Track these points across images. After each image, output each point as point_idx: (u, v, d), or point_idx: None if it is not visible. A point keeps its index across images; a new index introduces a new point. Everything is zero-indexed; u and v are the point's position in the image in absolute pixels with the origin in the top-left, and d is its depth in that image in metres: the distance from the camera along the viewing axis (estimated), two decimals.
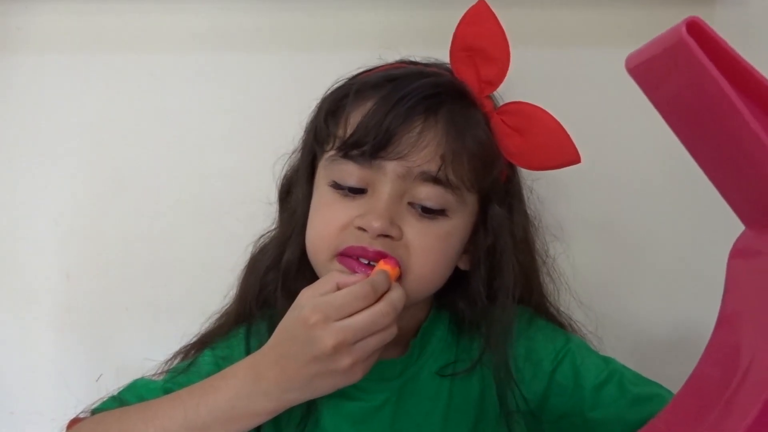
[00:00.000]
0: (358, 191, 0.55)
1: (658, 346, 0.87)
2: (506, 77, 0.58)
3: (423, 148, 0.53)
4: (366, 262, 0.54)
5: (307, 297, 0.51)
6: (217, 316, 0.66)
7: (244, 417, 0.50)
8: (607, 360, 0.62)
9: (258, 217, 0.70)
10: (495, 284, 0.59)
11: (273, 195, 0.68)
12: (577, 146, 0.55)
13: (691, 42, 0.31)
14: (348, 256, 0.54)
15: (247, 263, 0.66)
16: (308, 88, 0.69)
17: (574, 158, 0.56)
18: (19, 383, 0.87)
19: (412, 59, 0.62)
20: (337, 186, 0.55)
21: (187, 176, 0.86)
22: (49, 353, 0.86)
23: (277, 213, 0.67)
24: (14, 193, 0.86)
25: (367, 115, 0.53)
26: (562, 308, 0.67)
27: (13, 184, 0.86)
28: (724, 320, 0.34)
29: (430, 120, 0.53)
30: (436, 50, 0.62)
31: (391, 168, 0.53)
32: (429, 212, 0.54)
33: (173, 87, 0.86)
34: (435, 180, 0.53)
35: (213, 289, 0.68)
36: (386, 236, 0.53)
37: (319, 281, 0.53)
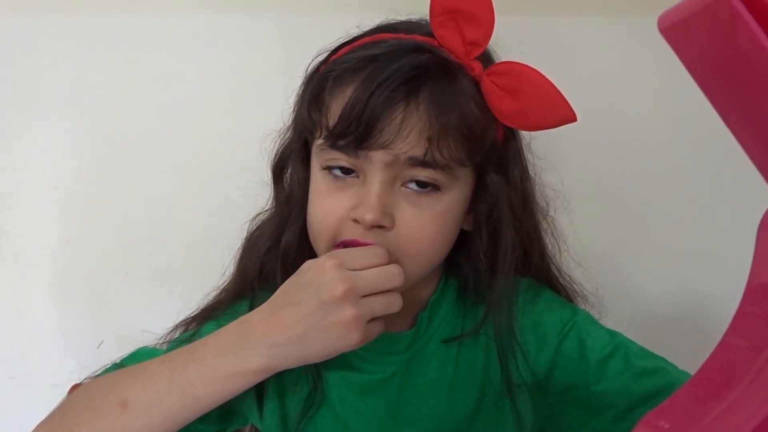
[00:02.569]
0: (350, 172, 0.54)
1: (659, 314, 0.87)
2: (498, 44, 0.57)
3: (407, 134, 0.51)
4: None
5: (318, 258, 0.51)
6: (215, 292, 0.66)
7: (228, 376, 0.49)
8: (612, 333, 0.62)
9: (259, 183, 0.69)
10: (495, 247, 0.59)
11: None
12: (576, 108, 0.53)
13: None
14: (345, 247, 0.54)
15: (244, 242, 0.65)
16: (312, 51, 0.67)
17: (568, 116, 0.53)
18: (19, 349, 0.87)
19: (394, 23, 0.59)
20: (330, 168, 0.55)
21: (187, 142, 0.85)
22: (49, 319, 0.86)
23: (272, 191, 0.65)
24: (12, 159, 0.85)
25: (347, 105, 0.51)
26: (564, 268, 0.67)
27: (11, 149, 0.85)
28: (753, 291, 0.33)
29: (411, 104, 0.51)
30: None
31: (378, 157, 0.52)
32: (423, 186, 0.54)
33: (173, 50, 0.84)
34: (423, 163, 0.52)
35: (213, 255, 0.67)
36: (379, 227, 0.53)
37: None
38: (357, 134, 0.51)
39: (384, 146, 0.51)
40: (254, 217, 0.66)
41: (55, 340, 0.86)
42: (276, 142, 0.64)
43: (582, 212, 0.75)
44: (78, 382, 0.60)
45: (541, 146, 0.66)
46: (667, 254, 0.87)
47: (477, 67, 0.55)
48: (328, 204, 0.55)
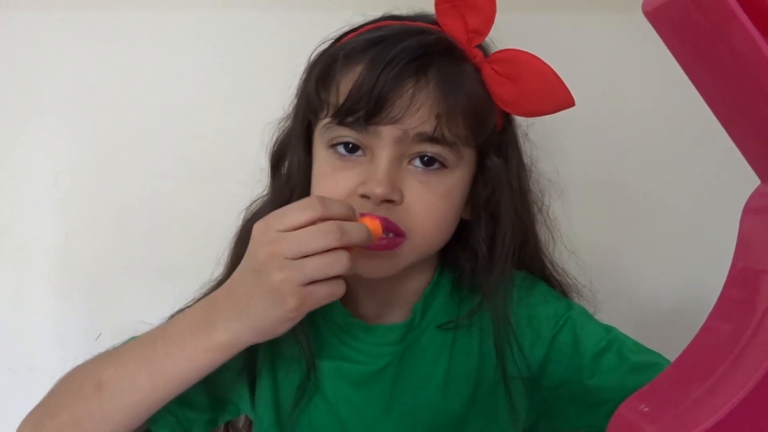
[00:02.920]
0: (357, 149, 0.54)
1: (655, 309, 0.86)
2: (499, 41, 0.57)
3: (417, 110, 0.52)
4: None
5: None
6: (211, 285, 0.65)
7: (195, 352, 0.48)
8: (607, 328, 0.62)
9: (259, 178, 0.69)
10: (494, 234, 0.59)
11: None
12: (577, 103, 0.54)
13: None
14: None
15: (239, 230, 0.65)
16: (311, 47, 0.67)
17: (567, 101, 0.54)
18: (18, 341, 0.88)
19: (397, 14, 0.60)
20: (335, 146, 0.55)
21: (187, 137, 0.85)
22: (49, 312, 0.87)
23: (269, 179, 0.65)
24: (13, 153, 0.86)
25: (357, 81, 0.52)
26: (556, 259, 0.67)
27: (12, 145, 0.86)
28: (735, 276, 0.33)
29: (421, 81, 0.52)
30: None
31: (387, 132, 0.52)
32: (430, 164, 0.54)
33: (173, 46, 0.85)
34: (432, 139, 0.53)
35: (212, 250, 0.67)
36: (388, 201, 0.52)
37: None
38: (367, 109, 0.51)
39: (394, 121, 0.52)
40: (249, 205, 0.66)
41: (55, 333, 0.86)
42: (275, 131, 0.65)
43: (579, 207, 0.75)
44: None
45: (539, 140, 0.66)
46: (664, 249, 0.86)
47: (478, 54, 0.56)
48: (333, 182, 0.54)
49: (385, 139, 0.53)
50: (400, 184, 0.53)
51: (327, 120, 0.55)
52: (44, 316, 0.87)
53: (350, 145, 0.54)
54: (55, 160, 0.85)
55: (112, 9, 0.83)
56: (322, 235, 0.45)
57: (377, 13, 0.62)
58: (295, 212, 0.46)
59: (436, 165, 0.54)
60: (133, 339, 0.59)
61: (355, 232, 0.47)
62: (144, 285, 0.85)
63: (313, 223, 0.46)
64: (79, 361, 0.60)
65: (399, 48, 0.52)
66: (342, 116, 0.53)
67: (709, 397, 0.29)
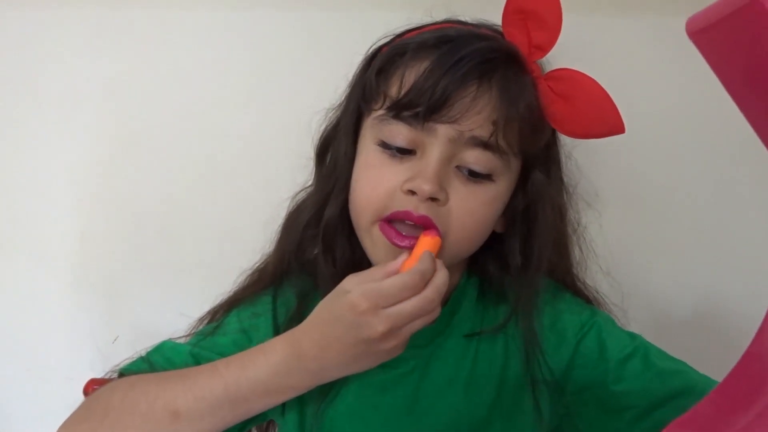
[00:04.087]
0: (406, 152, 0.54)
1: (680, 324, 0.86)
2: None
3: (476, 113, 0.52)
4: (410, 223, 0.54)
5: (355, 282, 0.50)
6: (249, 272, 0.66)
7: (283, 391, 0.52)
8: (632, 335, 0.62)
9: (274, 178, 0.69)
10: (529, 247, 0.59)
11: (289, 155, 0.66)
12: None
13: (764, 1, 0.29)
14: (389, 225, 0.54)
15: (284, 219, 0.66)
16: (326, 47, 0.67)
17: (618, 128, 0.54)
18: (35, 342, 0.88)
19: (462, 19, 0.60)
20: (385, 146, 0.55)
21: (203, 137, 0.84)
22: (65, 312, 0.87)
23: (314, 169, 0.65)
24: (30, 155, 0.85)
25: (422, 76, 0.52)
26: (588, 280, 0.67)
27: (28, 145, 0.85)
28: None
29: (485, 85, 0.53)
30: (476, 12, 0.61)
31: (443, 131, 0.53)
32: (475, 176, 0.54)
33: (190, 46, 0.84)
34: (485, 145, 0.53)
35: (226, 250, 0.67)
36: (434, 199, 0.53)
37: (367, 271, 0.52)
38: (429, 105, 0.52)
39: (452, 120, 0.52)
40: (294, 195, 0.66)
41: (71, 334, 0.87)
42: (323, 121, 0.65)
43: (610, 219, 0.74)
44: (93, 377, 0.61)
45: (579, 155, 0.66)
46: (689, 258, 0.86)
47: (537, 69, 0.56)
48: (379, 175, 0.55)
49: (439, 137, 0.53)
50: (446, 185, 0.54)
51: (381, 112, 0.55)
52: (60, 316, 0.87)
53: (400, 149, 0.54)
54: (71, 160, 0.85)
55: (129, 7, 0.83)
56: (428, 304, 0.49)
57: (397, 14, 0.62)
58: (401, 293, 0.49)
59: (481, 177, 0.55)
60: (169, 346, 0.59)
61: (444, 284, 0.50)
62: (160, 285, 0.85)
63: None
64: (96, 363, 0.60)
65: (468, 49, 0.53)
66: (400, 109, 0.53)
67: (755, 426, 0.29)
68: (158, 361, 0.57)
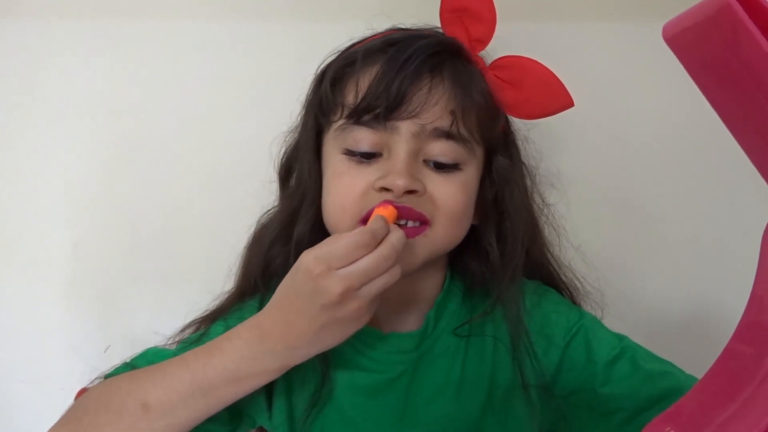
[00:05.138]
0: (371, 156, 0.55)
1: (666, 319, 0.86)
2: (501, 51, 0.60)
3: (434, 104, 0.54)
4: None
5: (308, 252, 0.50)
6: (223, 297, 0.67)
7: (251, 377, 0.51)
8: (619, 337, 0.62)
9: (269, 188, 0.69)
10: (504, 232, 0.61)
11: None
12: (581, 113, 0.58)
13: (738, 9, 0.29)
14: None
15: (249, 240, 0.67)
16: (319, 56, 0.67)
17: (567, 102, 0.58)
18: (28, 352, 0.87)
19: (402, 26, 0.62)
20: (350, 153, 0.56)
21: (197, 146, 0.85)
22: (58, 322, 0.87)
23: (278, 191, 0.66)
24: (24, 163, 0.86)
25: (375, 79, 0.54)
26: (562, 258, 0.68)
27: (22, 153, 0.85)
28: (758, 299, 0.33)
29: (437, 77, 0.55)
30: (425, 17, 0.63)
31: (406, 127, 0.54)
32: (443, 167, 0.56)
33: (184, 55, 0.84)
34: (448, 135, 0.54)
35: (222, 260, 0.67)
36: (412, 192, 0.53)
37: (322, 242, 0.52)
38: (388, 105, 0.53)
39: (412, 115, 0.53)
40: (259, 218, 0.67)
41: (65, 344, 0.86)
42: (282, 144, 0.66)
43: (587, 219, 0.75)
44: (84, 386, 0.60)
45: (541, 143, 0.67)
46: (673, 259, 0.86)
47: (481, 61, 0.59)
48: (349, 180, 0.55)
49: (403, 134, 0.54)
50: (420, 176, 0.55)
51: (342, 122, 0.56)
52: (54, 325, 0.87)
53: (365, 154, 0.55)
54: (65, 169, 0.85)
55: (124, 18, 0.83)
56: (384, 262, 0.49)
57: (385, 24, 0.63)
58: (354, 251, 0.48)
59: (449, 167, 0.56)
60: (154, 352, 0.60)
61: (400, 243, 0.50)
62: (154, 295, 0.85)
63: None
64: (90, 372, 0.60)
65: (415, 47, 0.54)
66: (360, 114, 0.54)
67: (735, 420, 0.30)
68: (141, 365, 0.57)
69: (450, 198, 0.55)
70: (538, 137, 0.66)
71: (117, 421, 0.52)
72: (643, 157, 0.86)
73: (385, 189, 0.53)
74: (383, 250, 0.49)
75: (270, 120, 0.79)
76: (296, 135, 0.64)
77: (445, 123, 0.54)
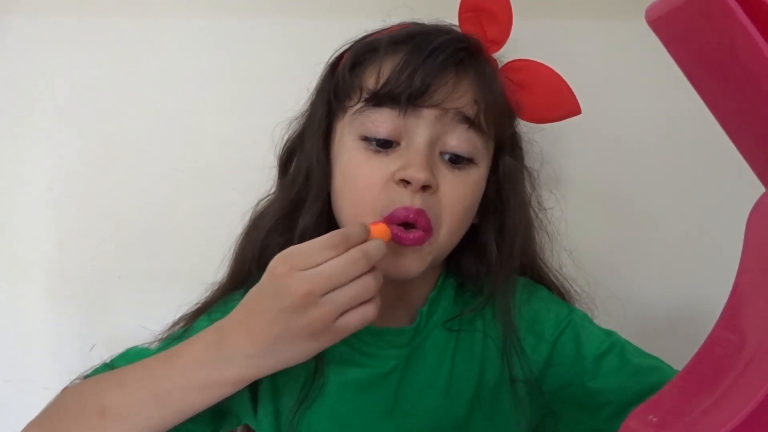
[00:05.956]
0: (389, 145, 0.54)
1: (655, 316, 0.86)
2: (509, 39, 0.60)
3: (459, 96, 0.54)
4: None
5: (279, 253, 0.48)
6: (215, 286, 0.66)
7: (205, 387, 0.48)
8: (608, 332, 0.62)
9: (255, 186, 0.69)
10: (503, 234, 0.60)
11: (271, 162, 0.67)
12: (586, 106, 0.57)
13: None
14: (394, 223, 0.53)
15: (246, 227, 0.65)
16: (307, 55, 0.67)
17: (575, 109, 0.59)
18: (12, 351, 0.86)
19: (418, 21, 0.61)
20: (367, 140, 0.54)
21: (182, 144, 0.84)
22: (42, 321, 0.86)
23: (277, 178, 0.65)
24: (7, 160, 0.85)
25: (398, 67, 0.53)
26: (554, 263, 0.68)
27: (6, 150, 0.85)
28: (742, 284, 0.33)
29: (462, 72, 0.55)
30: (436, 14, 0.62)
31: (428, 112, 0.53)
32: (458, 161, 0.55)
33: (170, 53, 0.84)
34: (470, 123, 0.54)
35: (208, 259, 0.66)
36: (426, 188, 0.53)
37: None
38: (411, 92, 0.52)
39: (435, 105, 0.53)
40: (256, 204, 0.66)
41: (49, 343, 0.85)
42: (285, 130, 0.65)
43: (577, 218, 0.75)
44: (67, 386, 0.59)
45: (543, 145, 0.68)
46: (663, 257, 0.86)
47: (494, 62, 0.59)
48: (369, 169, 0.54)
49: (425, 118, 0.53)
50: (435, 171, 0.54)
51: (360, 104, 0.54)
52: (38, 325, 0.85)
53: (382, 141, 0.54)
54: (50, 166, 0.84)
55: (109, 16, 0.83)
56: (351, 266, 0.46)
57: (375, 23, 0.62)
58: (320, 252, 0.46)
59: (464, 162, 0.55)
60: (135, 352, 0.59)
61: (376, 251, 0.47)
62: (139, 293, 0.84)
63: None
64: (75, 372, 0.59)
65: (441, 39, 0.54)
66: (381, 99, 0.53)
67: (717, 408, 0.29)
68: (121, 366, 0.56)
69: (458, 201, 0.55)
70: (539, 138, 0.67)
71: (75, 426, 0.50)
72: (634, 157, 0.85)
73: (405, 181, 0.52)
74: (353, 252, 0.46)
75: (255, 118, 0.79)
76: (302, 122, 0.63)
77: (469, 110, 0.54)
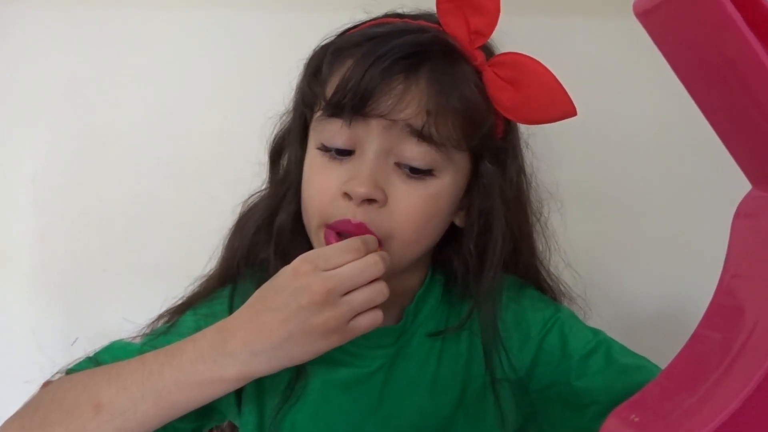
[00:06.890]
0: (345, 153, 0.54)
1: (644, 317, 0.86)
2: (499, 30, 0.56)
3: (406, 106, 0.51)
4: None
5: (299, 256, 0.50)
6: (202, 280, 0.65)
7: (205, 383, 0.48)
8: (595, 331, 0.62)
9: (242, 180, 0.68)
10: (485, 241, 0.58)
11: (259, 157, 0.66)
12: (576, 107, 0.53)
13: None
14: (331, 233, 0.54)
15: (234, 223, 0.65)
16: (297, 47, 0.66)
17: (569, 111, 0.53)
18: None
19: (400, 12, 0.60)
20: (324, 148, 0.54)
21: (168, 137, 0.84)
22: (24, 314, 0.85)
23: (268, 173, 0.65)
24: None
25: (345, 75, 0.52)
26: (552, 269, 0.67)
27: None
28: (726, 282, 0.32)
29: (411, 78, 0.52)
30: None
31: (376, 123, 0.52)
32: (417, 172, 0.53)
33: (156, 45, 0.83)
34: (420, 135, 0.52)
35: (193, 252, 0.65)
36: (371, 201, 0.52)
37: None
38: (353, 103, 0.51)
39: (382, 114, 0.51)
40: (246, 199, 0.65)
41: (30, 336, 0.85)
42: (276, 125, 0.64)
43: (572, 214, 0.74)
44: (48, 379, 0.59)
45: (536, 147, 0.66)
46: (654, 258, 0.86)
47: (480, 56, 0.55)
48: (321, 179, 0.54)
49: (373, 130, 0.52)
50: (385, 183, 0.52)
51: (319, 113, 0.54)
52: (20, 318, 0.85)
53: (340, 151, 0.53)
54: (33, 158, 0.84)
55: (94, 6, 0.82)
56: (370, 269, 0.48)
57: (365, 15, 0.61)
58: (341, 254, 0.49)
59: (423, 173, 0.53)
60: (119, 346, 0.58)
61: (388, 258, 0.50)
62: (123, 287, 0.84)
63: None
64: (57, 366, 0.58)
65: (391, 44, 0.52)
66: (332, 108, 0.52)
67: (699, 407, 0.29)
68: (106, 360, 0.56)
69: (410, 213, 0.53)
70: (536, 144, 0.65)
71: (68, 420, 0.49)
72: (622, 158, 0.86)
73: (348, 195, 0.52)
74: (371, 255, 0.49)
75: (243, 111, 0.79)
76: (288, 119, 0.63)
77: (418, 122, 0.51)
